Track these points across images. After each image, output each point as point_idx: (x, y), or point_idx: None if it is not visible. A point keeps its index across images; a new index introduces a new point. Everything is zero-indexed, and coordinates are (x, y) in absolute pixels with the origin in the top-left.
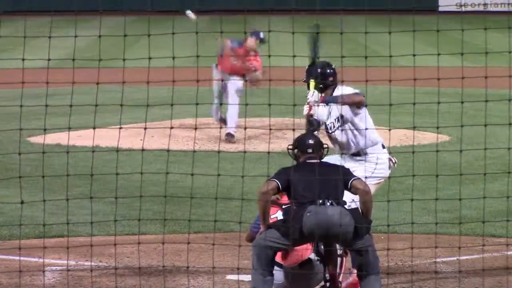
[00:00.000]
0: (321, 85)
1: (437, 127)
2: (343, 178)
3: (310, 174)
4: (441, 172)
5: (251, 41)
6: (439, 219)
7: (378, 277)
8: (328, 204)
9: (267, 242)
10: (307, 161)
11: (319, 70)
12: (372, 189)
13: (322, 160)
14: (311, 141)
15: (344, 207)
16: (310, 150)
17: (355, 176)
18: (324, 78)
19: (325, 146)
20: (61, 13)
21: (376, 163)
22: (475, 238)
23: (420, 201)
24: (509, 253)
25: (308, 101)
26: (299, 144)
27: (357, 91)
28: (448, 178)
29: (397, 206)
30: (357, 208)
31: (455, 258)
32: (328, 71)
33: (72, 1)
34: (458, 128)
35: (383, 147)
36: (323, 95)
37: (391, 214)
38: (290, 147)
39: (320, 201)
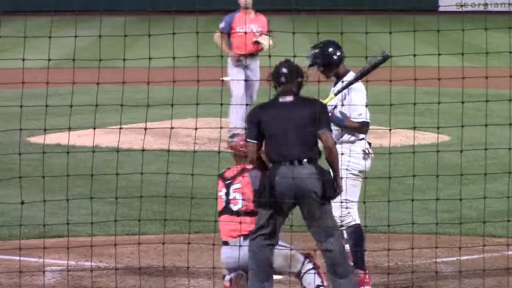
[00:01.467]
0: (333, 66)
1: (438, 127)
2: (315, 125)
3: (280, 120)
4: (441, 172)
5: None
6: (440, 219)
7: (349, 279)
8: (297, 164)
9: (260, 242)
10: (280, 99)
11: (331, 49)
12: (353, 188)
13: (299, 96)
14: (284, 70)
15: (316, 166)
16: (283, 79)
17: (323, 128)
18: (331, 57)
19: (304, 73)
20: (61, 13)
21: (349, 155)
22: (476, 238)
23: (420, 201)
24: (509, 253)
25: None
26: (273, 73)
27: (367, 119)
28: (448, 178)
29: (397, 206)
30: (327, 171)
31: (455, 258)
32: (332, 49)
33: (72, 1)
34: (458, 128)
35: (362, 138)
36: (333, 111)
37: (391, 214)
38: (269, 77)
39: (289, 161)
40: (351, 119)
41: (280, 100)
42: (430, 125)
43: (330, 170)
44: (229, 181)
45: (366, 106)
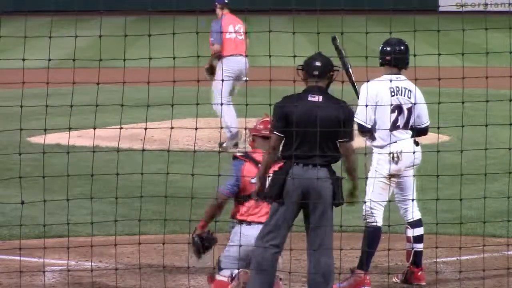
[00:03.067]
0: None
1: (438, 127)
2: (338, 132)
3: (306, 120)
4: (441, 172)
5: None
6: (440, 219)
7: (330, 251)
8: (312, 166)
9: (266, 243)
10: (309, 97)
11: (397, 48)
12: (380, 190)
13: (328, 95)
14: (318, 63)
15: (329, 171)
16: (316, 73)
17: (346, 138)
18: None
19: (335, 68)
20: (61, 13)
21: (377, 159)
22: (476, 238)
23: (420, 201)
24: (509, 253)
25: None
26: (306, 65)
27: (358, 118)
28: (448, 178)
29: (397, 206)
30: (339, 177)
31: (455, 258)
32: (402, 47)
33: (73, 1)
34: (458, 128)
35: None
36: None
37: (391, 214)
38: (300, 67)
39: (302, 164)
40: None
41: (309, 98)
42: (430, 125)
43: (344, 176)
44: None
45: (367, 106)
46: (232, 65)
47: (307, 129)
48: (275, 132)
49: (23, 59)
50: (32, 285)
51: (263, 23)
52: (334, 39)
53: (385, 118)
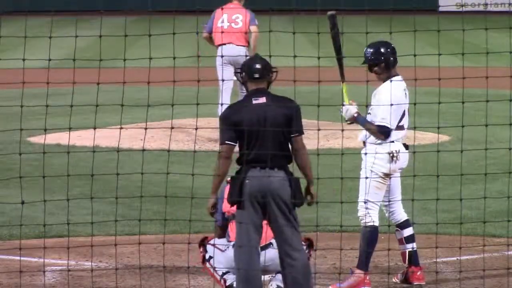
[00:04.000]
0: (383, 65)
1: (438, 127)
2: (288, 128)
3: (254, 123)
4: (441, 172)
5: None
6: (440, 219)
7: (303, 251)
8: (269, 168)
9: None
10: (253, 100)
11: (382, 50)
12: (375, 190)
13: (271, 95)
14: (257, 66)
15: (286, 172)
16: (256, 75)
17: (296, 133)
18: (387, 57)
19: (274, 70)
20: (62, 13)
21: (374, 157)
22: (476, 238)
23: (420, 201)
24: (509, 253)
25: (341, 115)
26: (246, 68)
27: (387, 123)
28: (448, 178)
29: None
30: (297, 178)
31: (455, 258)
32: (388, 49)
33: (73, 1)
34: (458, 128)
35: (392, 141)
36: (356, 115)
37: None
38: (239, 70)
39: (259, 167)
40: (372, 123)
41: (254, 101)
42: (430, 125)
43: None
44: None
45: (367, 106)
46: (223, 54)
47: (256, 131)
48: (226, 142)
49: (23, 59)
50: (32, 285)
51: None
52: (333, 17)
53: (397, 119)
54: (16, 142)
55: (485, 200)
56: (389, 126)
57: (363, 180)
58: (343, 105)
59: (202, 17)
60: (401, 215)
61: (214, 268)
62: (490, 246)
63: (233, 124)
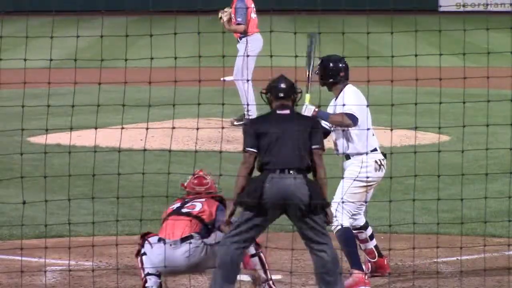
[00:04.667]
0: (331, 80)
1: (439, 127)
2: (309, 140)
3: (277, 130)
4: (442, 172)
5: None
6: (440, 219)
7: (338, 278)
8: (287, 173)
9: (230, 244)
10: (277, 111)
11: (331, 65)
12: (351, 195)
13: (295, 111)
14: (283, 85)
15: (305, 177)
16: (281, 95)
17: (317, 145)
18: (335, 73)
19: (298, 90)
20: (63, 13)
21: (360, 166)
22: (476, 238)
23: (421, 201)
24: (510, 253)
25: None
26: (271, 88)
27: (353, 111)
28: (448, 178)
29: (398, 206)
30: (316, 182)
31: (456, 258)
32: (340, 65)
33: (74, 1)
34: (458, 128)
35: (375, 150)
36: (316, 109)
37: (392, 214)
38: (264, 91)
39: (279, 170)
40: (336, 113)
41: (278, 112)
42: (430, 125)
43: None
44: (189, 200)
45: (368, 106)
46: (256, 43)
47: (277, 137)
48: (247, 149)
49: (25, 59)
50: (33, 285)
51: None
52: (312, 36)
53: (364, 116)
54: (16, 142)
55: (485, 200)
56: (355, 114)
57: (341, 185)
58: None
59: (204, 17)
60: (363, 218)
61: (142, 264)
62: (490, 246)
63: (255, 132)
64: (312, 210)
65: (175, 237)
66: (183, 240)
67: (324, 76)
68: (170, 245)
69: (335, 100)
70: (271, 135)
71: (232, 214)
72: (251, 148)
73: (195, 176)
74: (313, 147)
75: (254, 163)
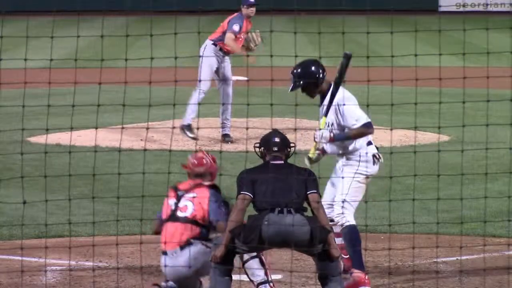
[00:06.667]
0: (315, 85)
1: (438, 127)
2: (304, 188)
3: (272, 178)
4: (442, 172)
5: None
6: (440, 219)
7: (338, 278)
8: (286, 212)
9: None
10: (271, 161)
11: (313, 68)
12: (353, 190)
13: (288, 162)
14: (276, 139)
15: (303, 215)
16: (275, 149)
17: (314, 190)
18: (314, 77)
19: (291, 145)
20: (63, 13)
21: (359, 161)
22: (476, 238)
23: (421, 201)
24: (509, 253)
25: (316, 140)
26: (265, 142)
27: (362, 117)
28: (448, 178)
29: (398, 206)
30: (315, 217)
31: (455, 258)
32: (314, 68)
33: (74, 1)
34: (458, 128)
35: (370, 143)
36: (332, 134)
37: (391, 214)
38: (257, 145)
39: (279, 209)
40: (352, 128)
41: (272, 162)
42: (430, 125)
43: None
44: (182, 192)
45: (368, 106)
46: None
47: (274, 183)
48: (242, 192)
49: (25, 59)
50: (33, 285)
51: (265, 23)
52: (348, 57)
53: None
54: (16, 142)
55: (485, 200)
56: (367, 119)
57: (342, 181)
58: (317, 130)
59: (203, 17)
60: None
61: None
62: (490, 246)
63: (250, 179)
64: (313, 245)
65: (174, 246)
66: (183, 247)
67: (309, 85)
68: (172, 255)
69: (323, 99)
70: (268, 181)
71: (227, 243)
72: (246, 192)
73: (195, 157)
74: (309, 192)
75: (246, 209)
